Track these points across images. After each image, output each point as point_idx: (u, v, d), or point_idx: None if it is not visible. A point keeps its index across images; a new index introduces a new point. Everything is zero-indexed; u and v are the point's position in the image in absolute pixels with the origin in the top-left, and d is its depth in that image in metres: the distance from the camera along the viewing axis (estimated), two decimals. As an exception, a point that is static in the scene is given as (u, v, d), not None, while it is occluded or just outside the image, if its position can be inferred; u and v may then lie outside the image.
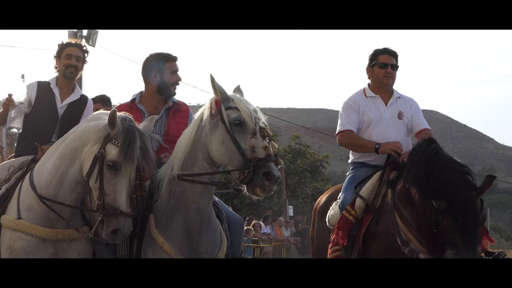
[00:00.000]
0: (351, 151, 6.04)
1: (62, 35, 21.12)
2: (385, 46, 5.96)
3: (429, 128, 5.88)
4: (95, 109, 8.92)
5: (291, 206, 25.42)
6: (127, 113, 4.74)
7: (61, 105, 5.69)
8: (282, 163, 4.55)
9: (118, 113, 4.62)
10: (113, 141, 4.54)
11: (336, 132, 5.92)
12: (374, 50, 5.95)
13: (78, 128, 4.83)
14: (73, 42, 5.92)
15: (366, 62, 6.01)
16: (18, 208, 4.82)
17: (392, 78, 5.91)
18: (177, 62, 5.44)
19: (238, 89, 4.80)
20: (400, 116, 5.87)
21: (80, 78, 5.90)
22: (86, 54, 5.86)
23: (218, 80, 4.60)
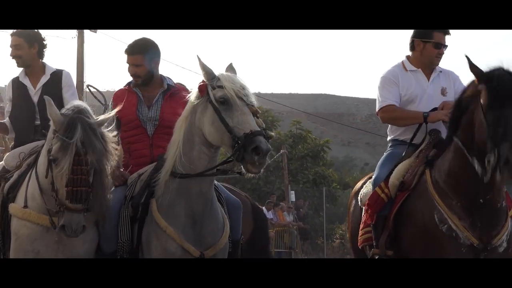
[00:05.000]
0: (389, 129, 5.69)
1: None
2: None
3: None
4: None
5: (293, 191, 25.43)
6: (83, 103, 4.65)
7: (35, 91, 5.66)
8: (273, 134, 4.51)
9: (69, 105, 4.53)
10: (57, 135, 4.44)
11: (377, 109, 5.51)
12: None
13: None
14: (15, 30, 5.70)
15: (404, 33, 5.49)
16: (26, 196, 4.84)
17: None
18: (139, 56, 5.25)
19: (230, 67, 4.76)
20: (443, 92, 5.47)
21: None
22: (36, 36, 5.68)
23: (205, 61, 4.59)
